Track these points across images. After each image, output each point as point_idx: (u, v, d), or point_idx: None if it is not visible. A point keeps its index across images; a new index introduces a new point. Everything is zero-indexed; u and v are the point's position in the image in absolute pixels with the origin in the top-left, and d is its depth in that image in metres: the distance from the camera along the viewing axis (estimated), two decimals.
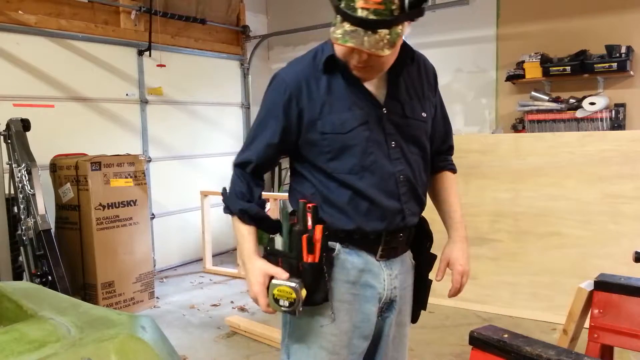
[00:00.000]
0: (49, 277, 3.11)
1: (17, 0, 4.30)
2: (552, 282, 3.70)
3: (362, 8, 1.21)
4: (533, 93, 4.82)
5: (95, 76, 4.85)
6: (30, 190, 3.28)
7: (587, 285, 1.87)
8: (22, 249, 3.38)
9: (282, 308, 1.39)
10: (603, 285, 1.83)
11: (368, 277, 1.48)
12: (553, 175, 3.80)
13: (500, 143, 4.06)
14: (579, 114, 4.55)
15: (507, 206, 3.95)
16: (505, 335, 1.38)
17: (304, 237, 1.39)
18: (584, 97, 4.57)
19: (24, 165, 3.33)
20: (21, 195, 3.36)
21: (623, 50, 4.38)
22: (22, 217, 3.35)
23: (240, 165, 1.51)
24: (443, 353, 3.24)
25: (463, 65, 5.35)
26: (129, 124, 5.16)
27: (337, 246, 1.46)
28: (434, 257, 1.62)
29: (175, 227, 5.59)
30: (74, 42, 4.68)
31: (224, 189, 1.53)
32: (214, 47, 6.01)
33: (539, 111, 4.76)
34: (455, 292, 1.61)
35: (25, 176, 3.30)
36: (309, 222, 1.41)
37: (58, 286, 3.06)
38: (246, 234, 1.49)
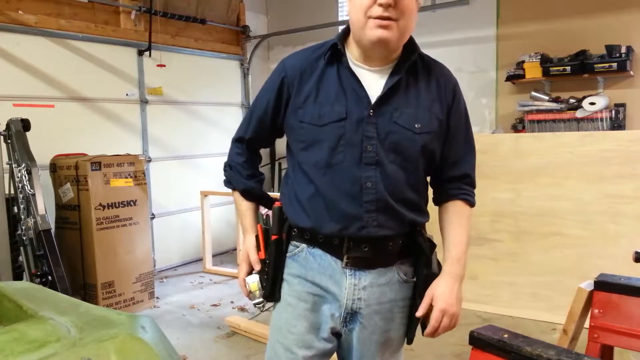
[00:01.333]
0: (49, 277, 3.10)
1: (17, 0, 4.30)
2: (552, 282, 3.70)
3: None
4: (533, 93, 4.82)
5: (95, 76, 4.84)
6: (30, 190, 3.28)
7: (587, 285, 1.87)
8: (22, 249, 3.38)
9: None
10: (603, 285, 1.83)
11: (329, 282, 1.44)
12: (553, 175, 3.80)
13: (500, 143, 4.06)
14: (579, 114, 4.55)
15: (507, 206, 3.95)
16: (505, 335, 1.38)
17: (254, 236, 1.56)
18: (584, 97, 4.57)
19: (24, 165, 3.33)
20: (21, 195, 3.35)
21: (623, 50, 4.38)
22: (22, 217, 3.35)
23: (238, 140, 1.61)
24: (443, 353, 3.24)
25: (463, 65, 5.35)
26: (129, 124, 5.16)
27: (302, 245, 1.47)
28: (435, 277, 1.47)
29: (175, 227, 5.59)
30: (74, 42, 4.68)
31: (226, 164, 1.63)
32: (214, 47, 6.01)
33: (539, 111, 4.76)
34: (431, 331, 1.45)
35: (25, 176, 3.30)
36: (271, 222, 1.53)
37: (58, 286, 3.05)
38: (245, 209, 1.60)
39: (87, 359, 1.20)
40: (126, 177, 4.13)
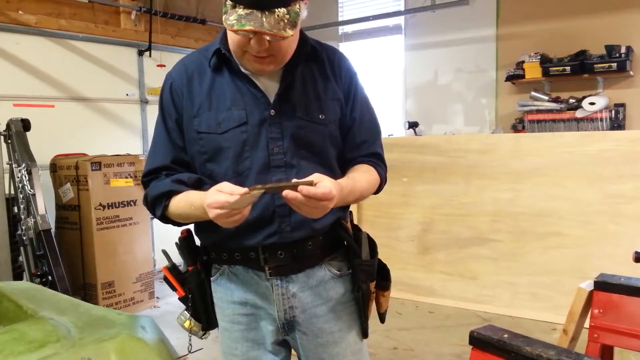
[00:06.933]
0: (49, 277, 3.11)
1: (17, 0, 4.30)
2: (552, 282, 3.70)
3: None
4: (533, 93, 4.82)
5: (95, 76, 4.84)
6: (30, 190, 3.28)
7: (587, 285, 1.87)
8: (22, 249, 3.38)
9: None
10: (603, 285, 1.83)
11: (256, 298, 1.38)
12: (553, 175, 3.79)
13: (500, 143, 4.06)
14: (578, 114, 4.55)
15: (507, 206, 3.95)
16: (505, 335, 1.38)
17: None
18: (584, 97, 4.57)
19: (24, 165, 3.33)
20: (21, 195, 3.36)
21: (623, 50, 4.38)
22: (22, 217, 3.35)
23: (152, 173, 1.38)
24: (443, 353, 3.24)
25: (463, 65, 5.35)
26: (129, 124, 5.16)
27: (223, 267, 1.41)
28: (368, 265, 1.39)
29: (175, 227, 5.58)
30: (74, 42, 4.68)
31: (144, 195, 1.40)
32: None
33: (538, 111, 4.76)
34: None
35: (25, 176, 3.30)
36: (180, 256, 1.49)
37: (58, 286, 3.06)
38: (189, 194, 1.30)
39: (87, 359, 1.20)
40: (126, 177, 4.13)
